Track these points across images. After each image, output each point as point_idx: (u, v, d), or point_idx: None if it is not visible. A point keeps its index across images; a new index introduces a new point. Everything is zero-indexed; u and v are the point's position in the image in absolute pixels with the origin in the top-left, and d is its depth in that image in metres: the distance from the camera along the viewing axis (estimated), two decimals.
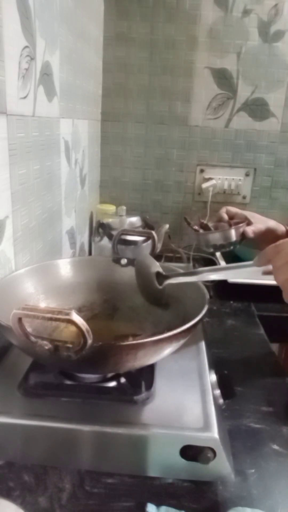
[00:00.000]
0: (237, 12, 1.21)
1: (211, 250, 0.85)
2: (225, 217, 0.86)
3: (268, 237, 0.81)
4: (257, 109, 1.30)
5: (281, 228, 0.83)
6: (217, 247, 0.83)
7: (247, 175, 1.37)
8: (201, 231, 0.86)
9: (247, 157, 1.35)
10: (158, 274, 0.59)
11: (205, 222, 0.88)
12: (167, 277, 0.59)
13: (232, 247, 0.83)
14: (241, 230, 0.80)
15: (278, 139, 1.33)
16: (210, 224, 0.88)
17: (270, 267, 0.54)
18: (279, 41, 1.24)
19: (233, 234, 0.80)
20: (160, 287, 0.58)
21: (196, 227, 0.87)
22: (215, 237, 0.82)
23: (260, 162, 1.36)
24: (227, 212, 0.87)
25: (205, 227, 0.87)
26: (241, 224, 0.81)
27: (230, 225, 0.84)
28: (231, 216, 0.86)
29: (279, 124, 1.31)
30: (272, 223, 0.83)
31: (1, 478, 0.46)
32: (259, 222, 0.82)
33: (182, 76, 1.28)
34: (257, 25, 1.22)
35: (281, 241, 0.53)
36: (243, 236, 0.80)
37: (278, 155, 1.35)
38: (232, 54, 1.25)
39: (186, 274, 0.59)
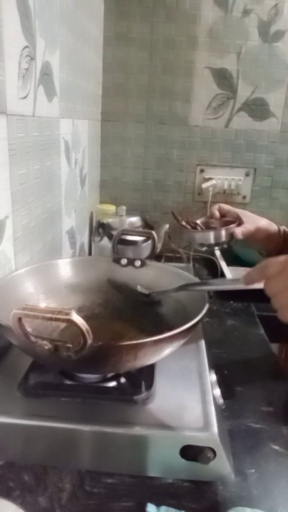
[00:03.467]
0: (237, 12, 1.21)
1: (199, 248, 0.83)
2: (217, 214, 0.85)
3: (259, 236, 0.80)
4: (257, 109, 1.30)
5: (273, 227, 0.82)
6: (205, 246, 0.81)
7: (247, 175, 1.37)
8: (188, 227, 0.84)
9: (247, 157, 1.35)
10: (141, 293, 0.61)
11: (193, 220, 0.86)
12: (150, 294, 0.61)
13: (220, 247, 0.81)
14: (231, 230, 0.78)
15: (278, 139, 1.33)
16: (200, 221, 0.86)
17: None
18: (279, 41, 1.24)
19: (222, 234, 0.79)
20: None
21: (184, 223, 0.85)
22: (205, 236, 0.80)
23: (260, 162, 1.36)
24: (220, 210, 0.86)
25: (193, 225, 0.85)
26: (231, 225, 0.79)
27: (221, 224, 0.82)
28: (223, 214, 0.85)
29: (279, 124, 1.31)
30: (263, 223, 0.82)
31: (1, 478, 0.46)
32: (250, 222, 0.81)
33: (182, 76, 1.28)
34: (257, 25, 1.22)
35: (265, 263, 0.53)
36: (232, 237, 0.79)
37: (278, 155, 1.35)
38: (232, 54, 1.25)
39: (167, 291, 0.60)
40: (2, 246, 0.65)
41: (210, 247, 0.81)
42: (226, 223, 0.81)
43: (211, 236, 0.79)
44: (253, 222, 0.81)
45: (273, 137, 1.33)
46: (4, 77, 0.59)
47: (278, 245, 0.81)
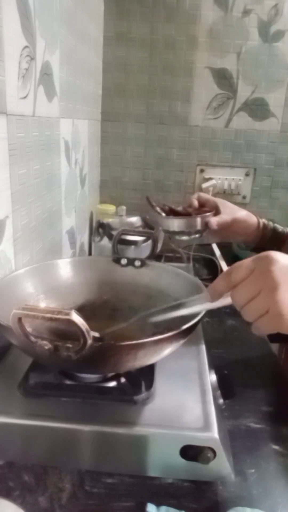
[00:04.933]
0: (237, 12, 1.21)
1: (172, 236, 0.79)
2: (195, 203, 0.81)
3: (236, 228, 0.76)
4: (257, 109, 1.30)
5: (252, 219, 0.77)
6: (177, 233, 0.77)
7: (247, 175, 1.37)
8: (163, 214, 0.79)
9: (247, 157, 1.35)
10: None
11: (168, 206, 0.81)
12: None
13: (194, 236, 0.77)
14: (206, 219, 0.74)
15: (278, 139, 1.33)
16: (178, 208, 0.82)
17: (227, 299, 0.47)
18: (279, 41, 1.24)
19: (197, 222, 0.74)
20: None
21: (158, 209, 0.80)
22: (178, 223, 0.75)
23: (260, 162, 1.36)
24: (199, 199, 0.82)
25: (168, 211, 0.81)
26: (207, 213, 0.74)
27: (198, 213, 0.78)
28: (202, 203, 0.82)
29: (279, 124, 1.31)
30: (241, 214, 0.77)
31: (1, 478, 0.46)
32: (228, 213, 0.76)
33: (182, 76, 1.28)
34: (257, 25, 1.22)
35: (229, 268, 0.46)
36: (206, 226, 0.74)
37: (278, 155, 1.35)
38: (232, 54, 1.25)
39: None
40: (2, 246, 0.65)
41: (183, 234, 0.76)
42: (203, 213, 0.77)
43: (185, 223, 0.74)
44: (231, 213, 0.76)
45: (273, 137, 1.33)
46: (4, 77, 0.59)
47: (256, 239, 0.77)
